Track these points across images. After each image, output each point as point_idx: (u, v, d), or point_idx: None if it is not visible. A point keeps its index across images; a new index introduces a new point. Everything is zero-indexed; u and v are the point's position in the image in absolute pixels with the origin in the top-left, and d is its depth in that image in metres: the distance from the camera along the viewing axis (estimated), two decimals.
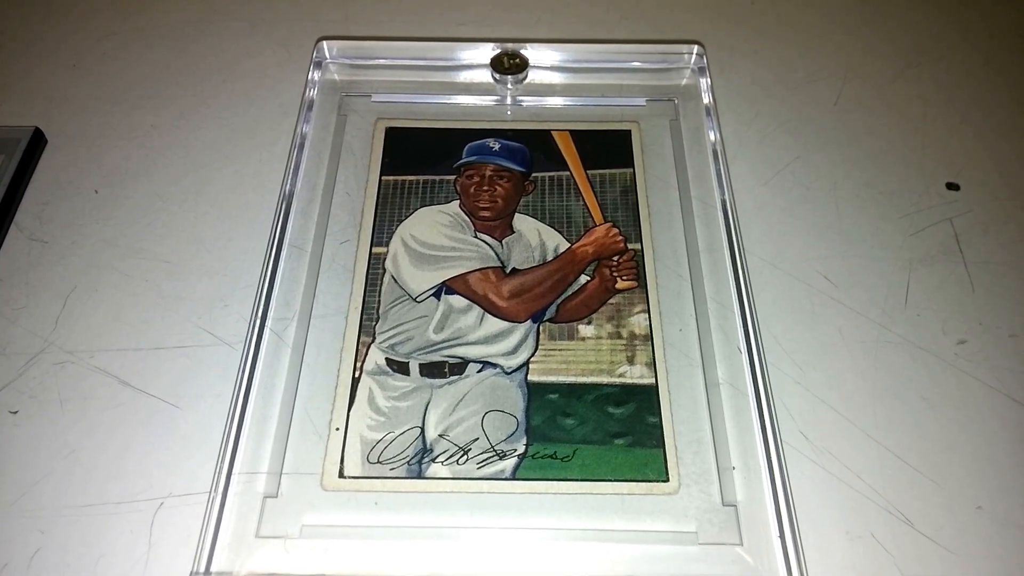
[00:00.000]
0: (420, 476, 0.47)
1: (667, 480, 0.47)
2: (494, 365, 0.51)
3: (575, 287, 0.55)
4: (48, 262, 0.57)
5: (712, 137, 0.63)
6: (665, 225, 0.58)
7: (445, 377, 0.51)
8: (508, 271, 0.55)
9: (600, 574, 0.45)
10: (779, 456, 0.47)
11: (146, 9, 0.75)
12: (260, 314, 0.53)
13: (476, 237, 0.57)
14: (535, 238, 0.57)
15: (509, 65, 0.67)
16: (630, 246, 0.57)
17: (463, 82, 0.68)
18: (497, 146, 0.62)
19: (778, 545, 0.45)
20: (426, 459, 0.48)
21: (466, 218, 0.58)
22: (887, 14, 0.76)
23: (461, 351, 0.52)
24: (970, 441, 0.50)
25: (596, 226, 0.58)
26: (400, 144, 0.63)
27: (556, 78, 0.68)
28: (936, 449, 0.50)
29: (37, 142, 0.63)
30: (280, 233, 0.57)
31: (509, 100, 0.67)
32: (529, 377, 0.51)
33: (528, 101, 0.67)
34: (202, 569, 0.43)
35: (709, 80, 0.66)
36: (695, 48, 0.68)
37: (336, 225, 0.58)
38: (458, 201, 0.59)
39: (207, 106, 0.67)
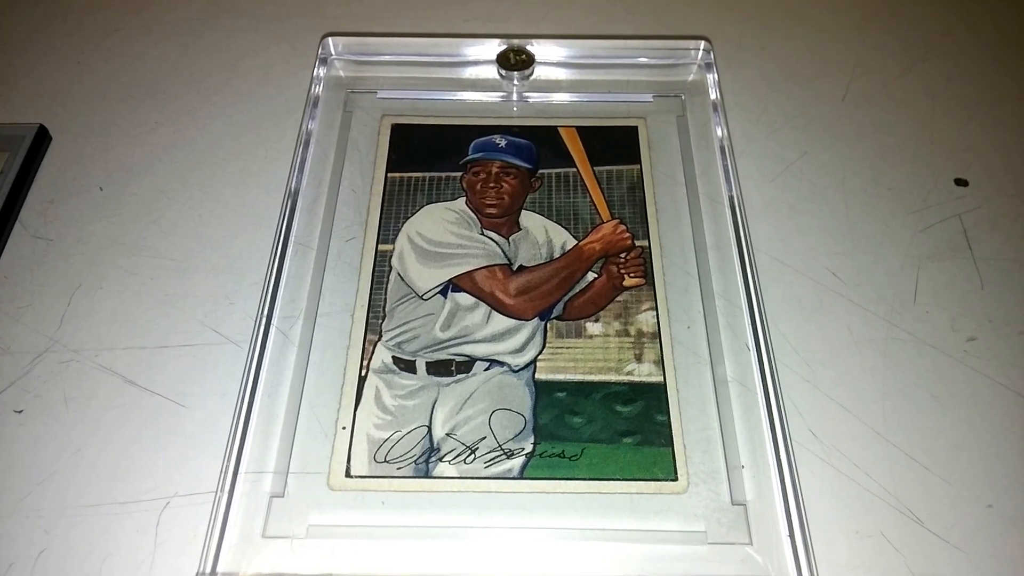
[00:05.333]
0: (427, 475, 0.47)
1: (676, 479, 0.47)
2: (501, 363, 0.51)
3: (582, 284, 0.55)
4: (53, 260, 0.57)
5: (719, 133, 0.62)
6: (672, 222, 0.58)
7: (452, 375, 0.51)
8: (515, 268, 0.55)
9: (608, 574, 0.44)
10: (788, 454, 0.47)
11: (151, 6, 0.75)
12: (266, 312, 0.52)
13: (483, 234, 0.57)
14: (542, 235, 0.57)
15: (515, 61, 0.66)
16: (637, 243, 0.57)
17: (469, 78, 0.67)
18: (503, 143, 0.62)
19: (788, 544, 0.45)
20: (433, 458, 0.48)
21: (472, 215, 0.58)
22: (895, 9, 0.76)
23: (468, 349, 0.52)
24: (980, 439, 0.50)
25: (603, 223, 0.58)
26: (406, 141, 0.63)
27: (562, 74, 0.67)
28: (946, 447, 0.50)
29: (41, 139, 0.63)
30: (286, 230, 0.56)
31: (515, 96, 0.66)
32: (536, 375, 0.51)
33: (534, 97, 0.66)
34: (208, 569, 0.43)
35: (716, 76, 0.66)
36: (702, 44, 0.67)
37: (342, 222, 0.58)
38: (464, 198, 0.59)
39: (212, 103, 0.67)
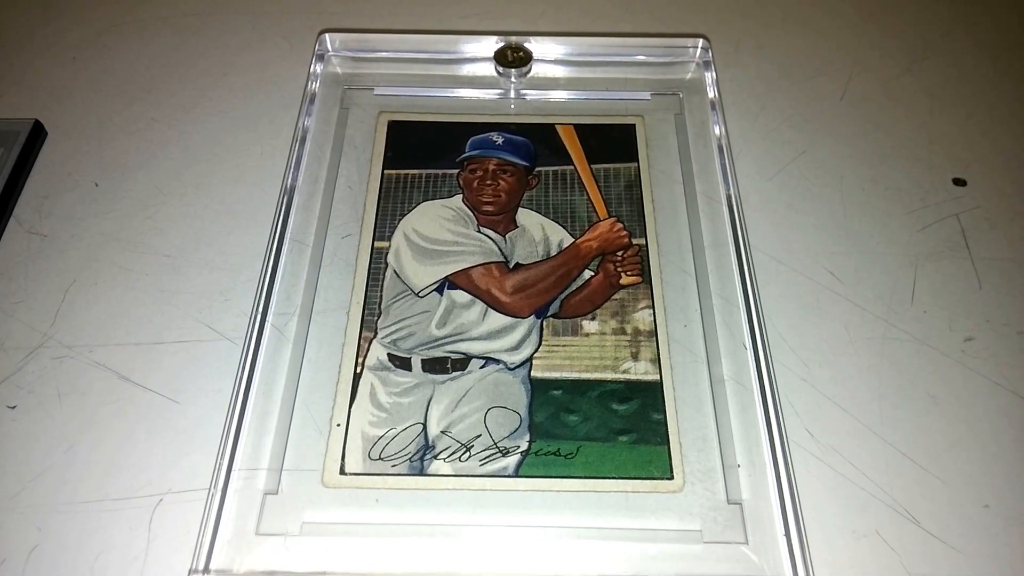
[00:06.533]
0: (422, 473, 0.47)
1: (671, 478, 0.47)
2: (497, 361, 0.51)
3: (579, 282, 0.55)
4: (47, 256, 0.57)
5: (717, 131, 0.62)
6: (670, 220, 0.58)
7: (447, 373, 0.51)
8: (511, 266, 0.55)
9: (603, 573, 0.44)
10: (784, 454, 0.47)
11: (146, 2, 0.75)
12: (261, 309, 0.52)
13: (479, 232, 0.57)
14: (539, 233, 0.57)
15: (513, 58, 0.66)
16: (634, 241, 0.56)
17: (466, 75, 0.67)
18: (500, 140, 0.61)
19: (783, 544, 0.44)
20: (428, 456, 0.47)
21: (469, 212, 0.58)
22: (894, 8, 0.75)
23: (464, 347, 0.52)
24: (977, 439, 0.50)
25: (600, 221, 0.57)
26: (402, 138, 0.62)
27: (560, 72, 0.67)
28: (943, 447, 0.50)
29: (37, 135, 0.63)
30: (281, 227, 0.56)
31: (512, 94, 0.66)
32: (532, 373, 0.51)
33: (532, 95, 0.66)
34: (201, 566, 0.43)
35: (714, 74, 0.66)
36: (700, 42, 0.67)
37: (338, 219, 0.58)
38: (461, 195, 0.59)
39: (208, 99, 0.67)
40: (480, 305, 0.53)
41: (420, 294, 0.54)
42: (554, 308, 0.53)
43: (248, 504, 0.46)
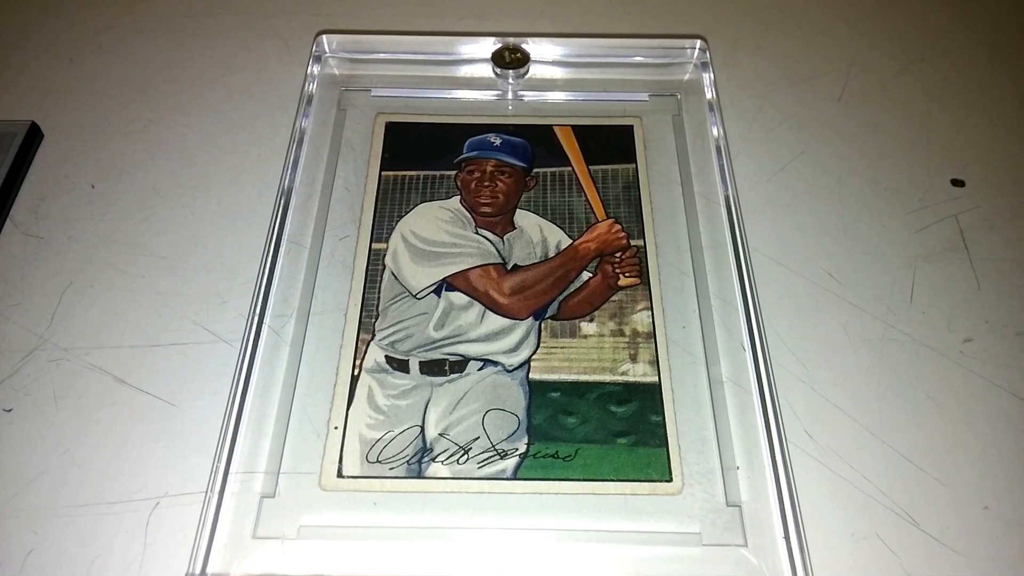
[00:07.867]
0: (420, 476, 0.47)
1: (670, 480, 0.47)
2: (495, 363, 0.51)
3: (577, 284, 0.54)
4: (44, 258, 0.57)
5: (715, 132, 0.62)
6: (668, 221, 0.58)
7: (445, 375, 0.50)
8: (509, 267, 0.55)
9: None
10: (783, 455, 0.47)
11: (144, 2, 0.75)
12: (258, 311, 0.52)
13: (477, 233, 0.56)
14: (537, 234, 0.57)
15: (510, 60, 0.66)
16: (633, 242, 0.56)
17: (464, 77, 0.67)
18: (498, 141, 0.61)
19: (783, 546, 0.44)
20: (426, 458, 0.47)
21: (467, 214, 0.57)
22: (892, 8, 0.75)
23: (462, 349, 0.51)
24: (977, 440, 0.50)
25: (598, 222, 0.57)
26: (400, 139, 0.62)
27: (558, 73, 0.67)
28: (942, 448, 0.49)
29: (33, 136, 0.63)
30: (279, 229, 0.56)
31: (510, 95, 0.66)
32: (530, 375, 0.50)
33: (529, 96, 0.66)
34: (198, 570, 0.43)
35: (712, 75, 0.65)
36: (698, 43, 0.67)
37: (335, 221, 0.58)
38: (459, 197, 0.59)
39: (205, 100, 0.67)
40: (478, 307, 0.53)
41: (418, 296, 0.54)
42: (552, 310, 0.53)
43: (245, 507, 0.45)
